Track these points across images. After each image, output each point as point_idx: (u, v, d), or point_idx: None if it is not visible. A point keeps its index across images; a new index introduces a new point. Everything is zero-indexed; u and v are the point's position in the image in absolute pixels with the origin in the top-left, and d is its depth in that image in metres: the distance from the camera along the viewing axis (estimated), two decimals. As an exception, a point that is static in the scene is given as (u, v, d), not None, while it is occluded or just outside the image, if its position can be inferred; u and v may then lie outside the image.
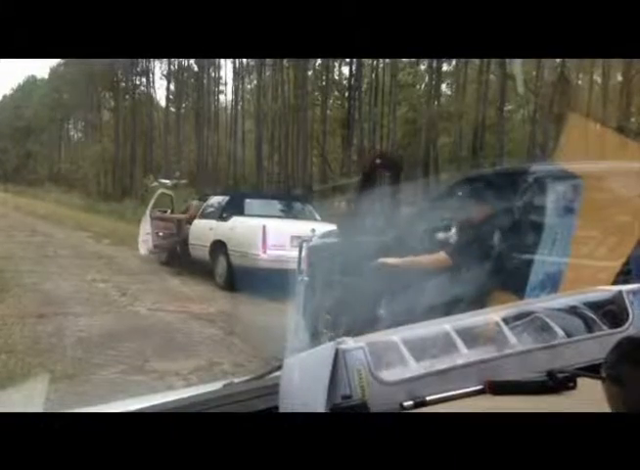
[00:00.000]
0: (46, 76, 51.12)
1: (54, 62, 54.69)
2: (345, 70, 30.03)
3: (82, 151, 42.93)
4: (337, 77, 30.75)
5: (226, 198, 10.30)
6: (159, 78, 40.27)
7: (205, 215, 10.21)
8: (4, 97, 63.28)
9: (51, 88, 47.17)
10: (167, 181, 26.32)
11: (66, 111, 47.01)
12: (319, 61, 29.92)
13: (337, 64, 30.47)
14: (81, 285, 8.51)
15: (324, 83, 29.65)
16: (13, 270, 9.29)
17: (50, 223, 17.90)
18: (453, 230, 4.21)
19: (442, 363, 0.98)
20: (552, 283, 2.60)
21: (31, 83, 55.71)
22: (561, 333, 1.07)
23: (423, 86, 26.84)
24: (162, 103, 39.71)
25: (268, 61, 31.63)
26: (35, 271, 9.33)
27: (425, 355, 0.98)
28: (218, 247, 9.12)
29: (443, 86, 27.15)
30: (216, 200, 10.52)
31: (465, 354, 1.01)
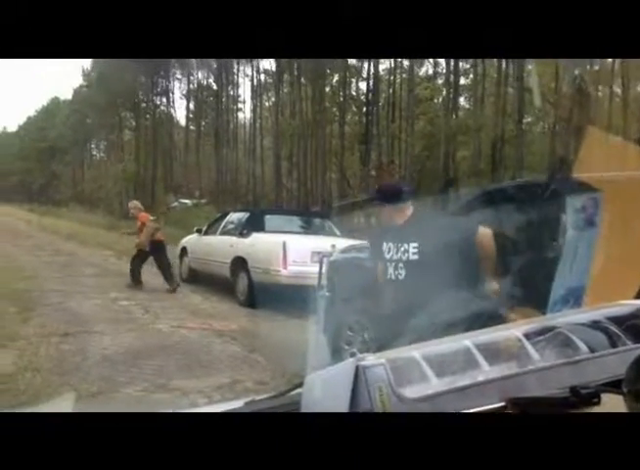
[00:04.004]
0: (69, 98, 52.17)
1: (77, 83, 55.82)
2: (363, 85, 30.20)
3: (105, 170, 43.56)
4: (354, 93, 30.90)
5: (246, 214, 10.37)
6: (178, 98, 40.71)
7: (225, 232, 10.27)
8: (29, 119, 64.65)
9: (74, 109, 48.01)
10: (188, 201, 26.61)
11: (88, 131, 47.80)
12: (336, 77, 30.14)
13: (354, 80, 30.66)
14: (104, 303, 8.59)
15: (341, 99, 29.80)
16: (38, 289, 9.43)
17: (74, 242, 18.14)
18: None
19: (464, 380, 0.98)
20: (574, 297, 2.57)
21: (55, 105, 56.79)
22: (584, 348, 1.06)
23: (440, 100, 26.83)
24: (182, 122, 40.25)
25: (286, 77, 31.93)
26: (60, 290, 9.45)
27: (446, 372, 0.98)
28: (239, 263, 9.16)
29: (461, 100, 27.17)
30: (236, 216, 10.59)
31: (486, 371, 1.01)
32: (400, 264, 3.12)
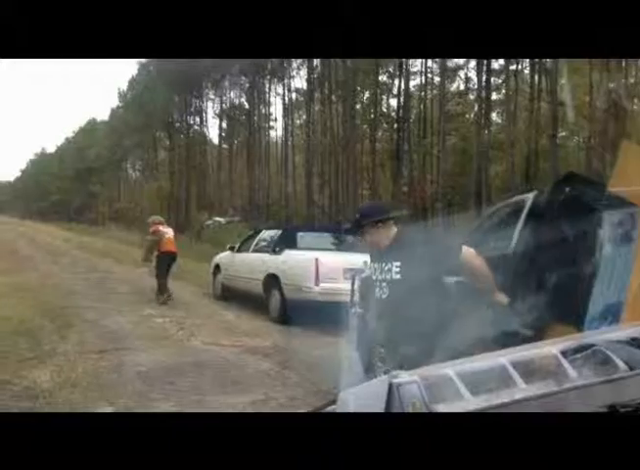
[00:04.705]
0: (106, 118, 53.47)
1: (113, 104, 57.11)
2: (394, 102, 30.25)
3: (140, 189, 44.42)
4: (385, 110, 30.96)
5: (278, 232, 10.42)
6: (211, 117, 41.31)
7: (257, 249, 10.35)
8: (67, 140, 66.41)
9: (110, 130, 49.18)
10: (221, 219, 26.91)
11: (124, 151, 48.85)
12: (367, 94, 30.27)
13: (384, 96, 30.75)
14: (139, 320, 8.71)
15: (372, 116, 29.89)
16: (75, 306, 9.62)
17: (110, 260, 18.47)
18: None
19: (499, 398, 0.97)
20: (612, 314, 2.51)
21: (92, 125, 58.24)
22: (623, 366, 1.04)
23: (472, 115, 26.69)
24: (215, 141, 40.88)
25: (317, 95, 32.20)
26: (96, 307, 9.62)
27: (481, 389, 0.97)
28: (271, 280, 9.20)
29: (493, 115, 26.97)
30: (269, 234, 10.66)
31: (523, 389, 0.99)
32: (384, 284, 3.15)
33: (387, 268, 3.14)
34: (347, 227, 3.68)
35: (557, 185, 3.29)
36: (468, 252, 3.09)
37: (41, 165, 76.18)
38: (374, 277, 3.25)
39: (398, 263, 3.07)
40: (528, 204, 4.36)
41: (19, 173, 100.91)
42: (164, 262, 10.74)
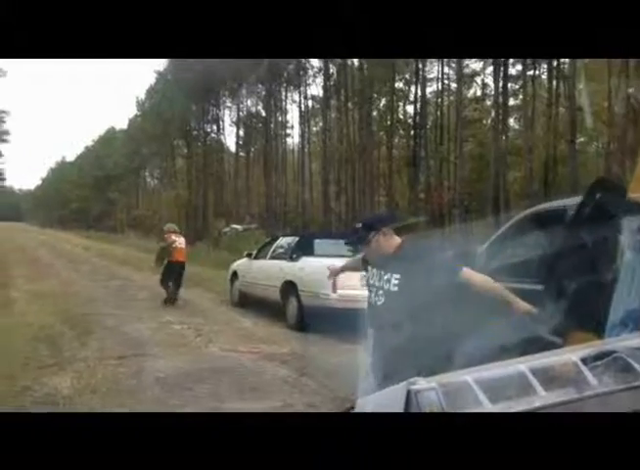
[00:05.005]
0: (124, 127, 54.07)
1: (132, 113, 57.75)
2: (410, 108, 30.24)
3: (158, 197, 44.82)
4: (401, 117, 30.95)
5: (296, 239, 10.44)
6: (228, 125, 41.65)
7: (275, 256, 10.38)
8: (86, 149, 67.24)
9: (129, 138, 49.72)
10: (239, 226, 27.05)
11: (142, 159, 49.34)
12: (383, 101, 30.29)
13: (401, 103, 30.74)
14: (158, 327, 8.77)
15: (389, 123, 29.89)
16: (95, 313, 9.71)
17: (129, 267, 18.64)
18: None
19: (519, 405, 0.96)
20: (633, 321, 2.48)
21: (111, 134, 58.94)
22: (644, 374, 1.03)
23: (489, 121, 26.57)
24: (232, 148, 41.13)
25: (333, 102, 32.29)
26: (115, 314, 9.71)
27: (500, 397, 0.97)
28: (289, 287, 9.21)
29: (511, 121, 26.84)
30: (286, 241, 10.68)
31: (542, 396, 0.99)
32: (381, 292, 3.17)
33: (385, 278, 3.15)
34: (349, 236, 3.65)
35: (589, 192, 3.26)
36: (467, 271, 3.10)
37: (61, 174, 77.22)
38: (371, 281, 3.26)
39: (398, 276, 3.09)
40: (554, 211, 4.35)
41: (39, 182, 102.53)
42: (171, 270, 11.27)
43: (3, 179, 62.45)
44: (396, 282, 3.08)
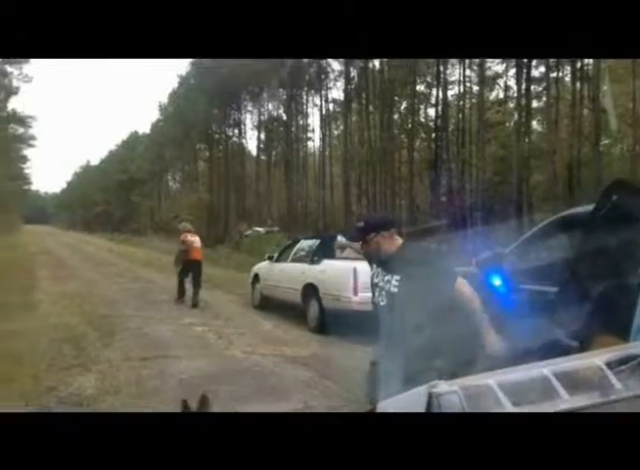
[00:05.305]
0: (147, 131, 54.64)
1: (154, 117, 58.32)
2: (431, 111, 30.10)
3: (180, 200, 45.20)
4: (423, 119, 30.83)
5: (317, 241, 10.45)
6: (250, 129, 41.84)
7: (296, 259, 10.40)
8: (110, 153, 68.08)
9: (152, 142, 50.22)
10: (261, 229, 27.19)
11: (165, 163, 49.81)
12: (404, 104, 30.20)
13: (422, 106, 30.62)
14: (180, 329, 8.84)
15: (410, 126, 29.79)
16: (118, 315, 9.82)
17: (151, 269, 18.80)
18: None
19: (542, 409, 0.95)
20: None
21: (134, 138, 59.59)
22: (670, 378, 1.02)
23: (512, 124, 26.34)
24: (254, 152, 41.35)
25: (354, 106, 32.28)
26: (138, 316, 9.80)
27: (523, 400, 0.96)
28: (310, 290, 9.22)
29: (534, 123, 26.56)
30: (307, 244, 10.69)
31: (567, 400, 0.98)
32: (383, 293, 3.20)
33: (386, 279, 3.19)
34: (349, 235, 3.67)
35: (604, 194, 3.22)
36: (461, 283, 3.10)
37: (86, 178, 78.29)
38: (375, 281, 3.29)
39: (398, 277, 3.12)
40: (576, 215, 4.30)
41: (65, 185, 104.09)
42: (188, 269, 11.70)
43: (29, 183, 63.40)
44: (396, 283, 3.12)
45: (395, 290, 3.12)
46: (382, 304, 3.24)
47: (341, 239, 3.78)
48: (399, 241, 3.25)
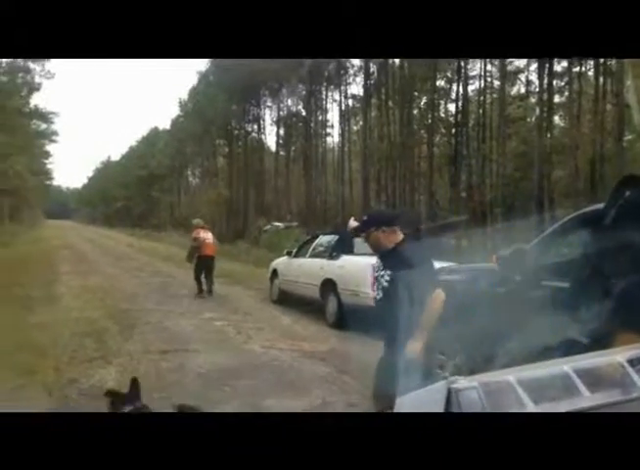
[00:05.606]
0: (167, 127, 54.97)
1: (174, 113, 58.62)
2: (452, 107, 29.87)
3: (199, 196, 45.45)
4: (443, 115, 30.61)
5: (335, 237, 10.44)
6: (269, 124, 42.00)
7: (315, 255, 10.40)
8: (131, 149, 68.64)
9: (171, 138, 50.52)
10: (280, 224, 27.26)
11: (185, 159, 50.06)
12: (424, 99, 30.01)
13: (442, 101, 30.40)
14: (199, 323, 8.90)
15: (430, 121, 29.59)
16: (139, 309, 9.92)
17: (171, 264, 18.95)
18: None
19: (563, 406, 0.94)
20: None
21: (154, 134, 59.97)
22: (693, 376, 1.00)
23: (534, 119, 26.04)
24: (273, 148, 41.40)
25: (373, 101, 32.15)
26: (158, 310, 9.90)
27: (543, 398, 0.95)
28: (329, 286, 9.23)
29: (556, 118, 26.23)
30: (326, 239, 10.69)
31: (588, 398, 0.97)
32: (379, 286, 3.35)
33: (381, 273, 3.31)
34: (353, 228, 3.78)
35: (615, 190, 3.18)
36: (438, 294, 3.17)
37: (107, 173, 79.03)
38: (376, 274, 3.41)
39: (390, 272, 3.23)
40: (598, 212, 4.24)
41: (86, 181, 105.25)
42: (202, 264, 11.92)
43: (52, 178, 64.16)
44: (388, 278, 3.24)
45: (387, 285, 3.25)
46: (378, 297, 3.39)
47: (352, 222, 3.88)
48: (399, 237, 3.31)
